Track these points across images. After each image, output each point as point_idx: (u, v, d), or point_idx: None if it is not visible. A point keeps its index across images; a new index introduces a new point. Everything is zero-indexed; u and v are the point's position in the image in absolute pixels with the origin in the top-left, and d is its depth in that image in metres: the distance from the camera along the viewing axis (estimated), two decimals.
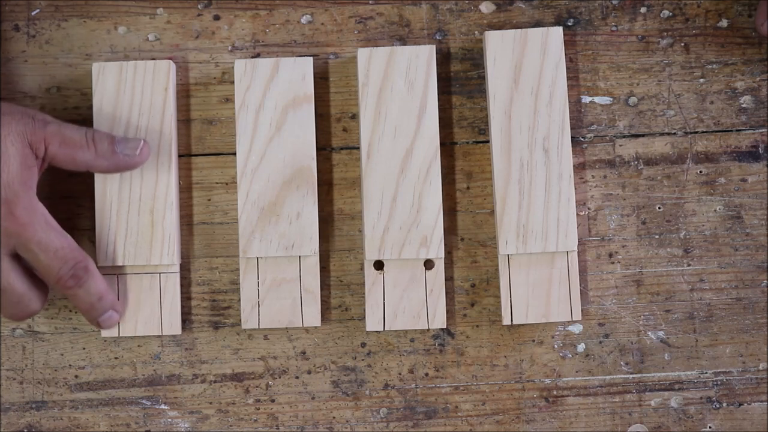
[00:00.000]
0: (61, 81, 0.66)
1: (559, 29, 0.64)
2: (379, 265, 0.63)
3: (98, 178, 0.63)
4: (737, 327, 0.65)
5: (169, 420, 0.64)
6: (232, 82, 0.66)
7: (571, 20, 0.67)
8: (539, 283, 0.63)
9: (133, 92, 0.64)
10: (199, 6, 0.67)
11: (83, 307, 0.61)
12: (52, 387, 0.65)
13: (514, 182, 0.63)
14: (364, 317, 0.64)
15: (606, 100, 0.66)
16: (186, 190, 0.66)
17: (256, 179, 0.63)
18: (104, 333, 0.63)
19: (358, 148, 0.66)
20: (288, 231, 0.63)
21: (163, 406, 0.65)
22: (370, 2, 0.67)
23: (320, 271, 0.65)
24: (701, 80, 0.66)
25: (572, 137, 0.66)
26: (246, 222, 0.63)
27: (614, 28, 0.66)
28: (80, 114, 0.66)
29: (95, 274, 0.60)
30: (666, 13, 0.66)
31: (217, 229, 0.66)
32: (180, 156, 0.66)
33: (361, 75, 0.64)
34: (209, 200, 0.66)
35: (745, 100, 0.66)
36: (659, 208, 0.65)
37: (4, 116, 0.58)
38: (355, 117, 0.66)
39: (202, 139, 0.66)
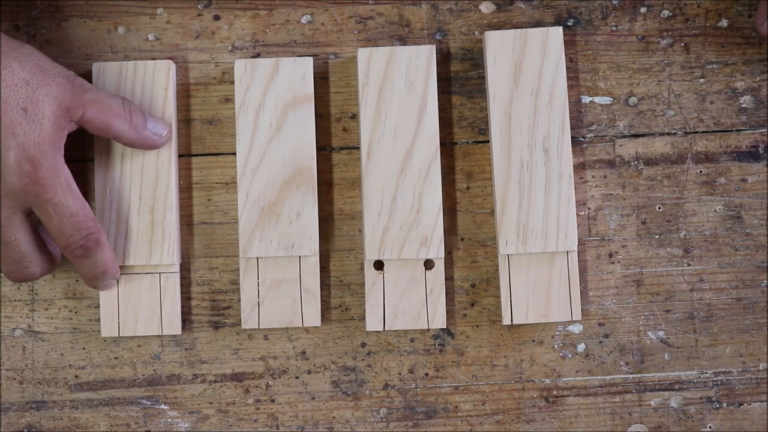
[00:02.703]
0: None
1: (559, 29, 0.64)
2: (379, 265, 0.63)
3: (98, 178, 0.64)
4: (737, 327, 0.65)
5: (169, 420, 0.64)
6: (232, 82, 0.66)
7: (571, 20, 0.67)
8: (539, 283, 0.63)
9: (133, 92, 0.64)
10: (199, 6, 0.67)
11: (86, 275, 0.61)
12: (52, 387, 0.65)
13: (514, 182, 0.63)
14: (364, 317, 0.64)
15: (606, 100, 0.66)
16: (186, 190, 0.66)
17: (256, 179, 0.63)
18: (104, 333, 0.63)
19: (358, 148, 0.66)
20: (288, 231, 0.63)
21: (163, 406, 0.65)
22: (370, 2, 0.67)
23: (320, 271, 0.65)
24: (701, 80, 0.66)
25: (572, 137, 0.66)
26: (246, 222, 0.63)
27: (614, 28, 0.66)
28: None
29: (105, 247, 0.60)
30: (666, 13, 0.66)
31: (217, 229, 0.66)
32: (180, 156, 0.66)
33: (361, 75, 0.64)
34: (209, 200, 0.66)
35: (745, 100, 0.66)
36: (659, 208, 0.65)
37: (46, 78, 0.58)
38: (355, 117, 0.66)
39: (202, 139, 0.66)
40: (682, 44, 0.66)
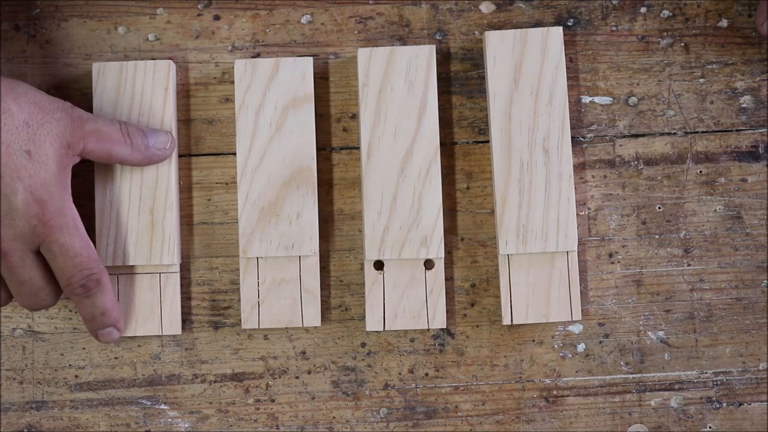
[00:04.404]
0: (61, 81, 0.66)
1: (559, 29, 0.64)
2: (379, 265, 0.63)
3: (98, 178, 0.64)
4: (737, 327, 0.65)
5: (169, 420, 0.64)
6: (232, 82, 0.66)
7: (571, 20, 0.67)
8: (539, 283, 0.63)
9: (133, 92, 0.64)
10: (199, 6, 0.67)
11: (85, 316, 0.61)
12: (52, 387, 0.65)
13: (514, 182, 0.63)
14: (364, 317, 0.64)
15: (606, 100, 0.66)
16: (186, 190, 0.66)
17: (256, 179, 0.63)
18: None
19: (358, 148, 0.66)
20: (288, 231, 0.63)
21: (163, 406, 0.65)
22: (370, 2, 0.67)
23: (320, 271, 0.65)
24: (701, 80, 0.66)
25: (572, 137, 0.66)
26: (246, 222, 0.63)
27: (614, 28, 0.66)
28: None
29: (106, 289, 0.60)
30: (666, 13, 0.66)
31: (217, 229, 0.66)
32: (180, 156, 0.66)
33: (361, 75, 0.64)
34: (209, 200, 0.66)
35: (745, 100, 0.66)
36: (659, 208, 0.65)
37: (45, 116, 0.58)
38: (355, 117, 0.66)
39: (202, 139, 0.66)
40: (682, 44, 0.66)
